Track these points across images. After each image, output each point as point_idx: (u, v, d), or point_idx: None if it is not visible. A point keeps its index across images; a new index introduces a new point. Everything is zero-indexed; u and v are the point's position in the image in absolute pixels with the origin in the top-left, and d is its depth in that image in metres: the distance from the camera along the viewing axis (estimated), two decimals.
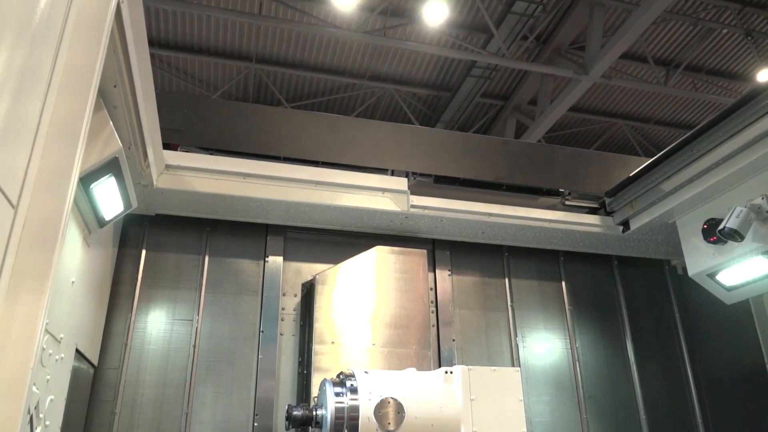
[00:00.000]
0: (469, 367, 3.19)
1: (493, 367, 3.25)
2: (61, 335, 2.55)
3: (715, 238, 3.61)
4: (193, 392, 3.59)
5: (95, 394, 3.43)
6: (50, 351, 2.40)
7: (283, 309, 3.93)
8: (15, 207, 1.52)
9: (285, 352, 3.83)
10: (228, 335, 3.79)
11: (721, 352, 4.71)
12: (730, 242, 3.57)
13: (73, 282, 2.67)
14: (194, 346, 3.69)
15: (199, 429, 3.55)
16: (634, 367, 4.52)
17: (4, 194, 1.46)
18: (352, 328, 3.68)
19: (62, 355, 2.61)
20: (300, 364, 3.79)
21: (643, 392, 4.44)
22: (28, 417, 2.15)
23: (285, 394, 3.71)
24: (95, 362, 3.39)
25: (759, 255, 3.49)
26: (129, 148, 2.87)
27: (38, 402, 2.27)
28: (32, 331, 1.76)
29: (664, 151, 3.84)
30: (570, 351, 4.43)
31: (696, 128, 3.67)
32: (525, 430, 3.14)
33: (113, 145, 2.50)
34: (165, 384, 3.58)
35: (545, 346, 4.42)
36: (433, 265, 4.31)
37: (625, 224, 4.27)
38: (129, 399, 3.49)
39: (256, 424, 3.59)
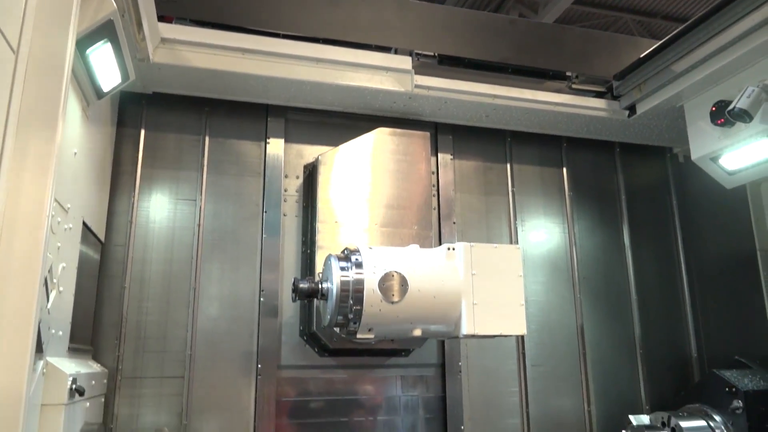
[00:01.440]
0: (471, 243, 3.26)
1: (495, 245, 3.32)
2: (68, 205, 2.56)
3: (722, 120, 3.57)
4: (199, 269, 3.67)
5: (104, 270, 3.51)
6: (59, 219, 2.41)
7: (285, 190, 3.93)
8: (16, 52, 1.45)
9: (288, 232, 3.88)
10: (231, 215, 3.82)
11: (714, 239, 4.81)
12: (737, 125, 3.54)
13: (75, 153, 2.64)
14: (198, 225, 3.72)
15: (208, 303, 3.66)
16: (628, 252, 4.63)
17: (4, 37, 1.39)
18: (354, 209, 3.70)
19: (70, 225, 2.63)
20: (303, 243, 3.86)
21: (636, 275, 4.58)
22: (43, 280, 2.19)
23: (289, 272, 3.79)
24: (102, 238, 3.43)
25: (765, 137, 3.47)
26: (123, 16, 2.73)
27: (51, 267, 2.31)
28: (43, 192, 1.75)
29: (677, 30, 3.70)
30: (567, 235, 4.51)
31: (711, 7, 3.52)
32: (523, 303, 3.26)
33: (107, 6, 2.38)
34: (172, 261, 3.65)
35: (544, 230, 4.49)
36: (435, 150, 4.28)
37: (632, 109, 4.20)
38: (137, 274, 3.57)
39: (262, 299, 3.71)
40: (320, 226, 3.64)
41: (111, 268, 3.54)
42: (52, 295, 2.34)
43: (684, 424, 3.59)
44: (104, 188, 3.45)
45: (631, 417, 3.76)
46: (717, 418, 3.62)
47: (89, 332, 3.32)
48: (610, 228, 4.66)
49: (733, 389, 3.55)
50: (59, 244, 2.43)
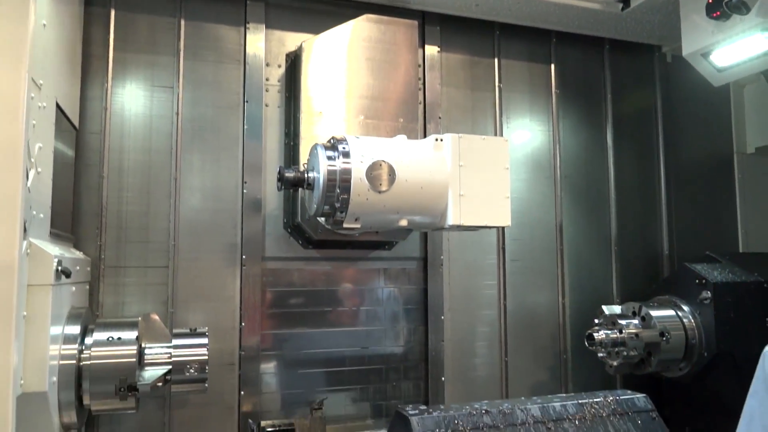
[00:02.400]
0: (459, 135, 3.21)
1: (483, 136, 3.28)
2: (41, 81, 2.41)
3: (718, 13, 3.48)
4: (179, 159, 3.57)
5: (80, 158, 3.39)
6: (32, 95, 2.28)
7: (267, 80, 3.78)
8: None
9: (271, 123, 3.77)
10: (211, 104, 3.68)
11: (694, 141, 4.86)
12: (731, 18, 3.46)
13: (44, 25, 2.45)
14: (177, 114, 3.58)
15: (189, 195, 3.60)
16: (610, 151, 4.65)
17: None
18: (339, 100, 3.59)
19: (44, 104, 2.49)
20: (287, 135, 3.76)
21: (616, 174, 4.63)
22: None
23: (272, 164, 3.72)
24: (76, 124, 3.29)
25: (759, 32, 3.42)
26: None
27: (27, 144, 2.20)
28: (19, 66, 1.63)
29: None
30: (552, 133, 4.50)
31: None
32: (509, 196, 3.28)
33: None
34: (150, 150, 3.54)
35: (528, 127, 4.46)
36: (422, 42, 4.12)
37: (626, 1, 4.07)
38: (115, 163, 3.46)
39: (245, 191, 3.65)
40: (304, 117, 3.54)
41: (87, 156, 3.42)
42: (30, 174, 2.25)
43: (654, 312, 3.77)
44: (75, 71, 3.26)
45: (603, 307, 3.92)
46: (685, 308, 3.80)
47: (69, 221, 3.24)
48: (593, 127, 4.65)
49: (703, 281, 3.71)
50: (34, 122, 2.31)
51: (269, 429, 2.43)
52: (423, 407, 2.39)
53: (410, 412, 2.32)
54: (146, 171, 3.52)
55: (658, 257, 4.69)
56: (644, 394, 2.66)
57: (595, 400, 2.54)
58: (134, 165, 3.50)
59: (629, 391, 2.71)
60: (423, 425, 2.25)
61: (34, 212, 2.36)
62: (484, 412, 2.38)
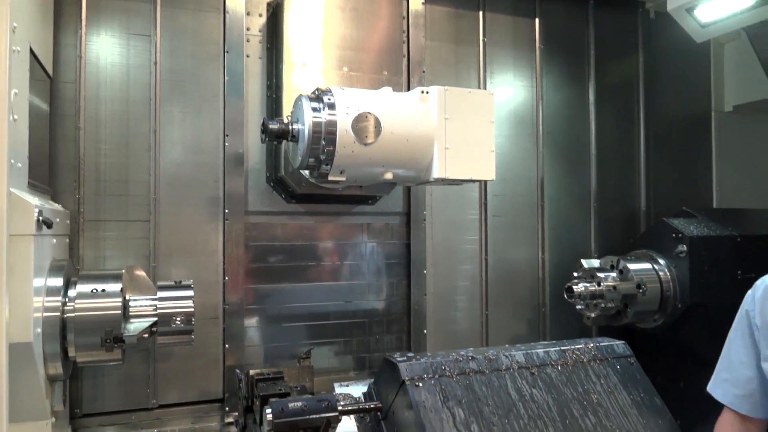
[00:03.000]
0: (446, 87, 3.18)
1: (469, 89, 3.26)
2: (15, 24, 2.30)
3: None
4: (159, 111, 3.48)
5: (55, 108, 3.28)
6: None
7: (248, 29, 3.68)
8: None
9: (252, 75, 3.68)
10: (190, 54, 3.57)
11: (674, 99, 4.89)
12: None
13: None
14: (155, 63, 3.48)
15: (170, 148, 3.53)
16: (592, 108, 4.67)
17: None
18: (323, 51, 3.52)
19: (18, 48, 2.39)
20: (269, 87, 3.69)
21: (597, 131, 4.67)
22: None
23: (254, 117, 3.66)
24: (50, 72, 3.17)
25: None
26: None
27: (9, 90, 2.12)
28: None
29: None
30: (535, 89, 4.49)
31: None
32: (494, 150, 3.28)
33: None
34: (128, 101, 3.44)
35: (512, 83, 4.44)
36: None
37: None
38: (92, 114, 3.36)
39: (227, 144, 3.59)
40: (286, 69, 3.47)
41: (63, 106, 3.31)
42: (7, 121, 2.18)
43: (631, 266, 3.86)
44: (48, 16, 3.13)
45: (582, 261, 4.00)
46: (662, 261, 3.89)
47: (46, 173, 3.16)
48: (576, 84, 4.65)
49: (679, 235, 3.80)
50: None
51: (258, 377, 2.45)
52: (410, 354, 2.44)
53: (398, 359, 2.36)
54: (124, 123, 3.43)
55: (636, 213, 4.78)
56: (623, 341, 2.74)
57: (576, 346, 2.61)
58: (111, 116, 3.40)
59: (608, 339, 2.79)
60: (411, 371, 2.29)
61: (12, 161, 2.29)
62: (470, 358, 2.43)
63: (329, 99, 2.99)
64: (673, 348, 4.00)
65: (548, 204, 4.50)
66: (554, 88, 4.57)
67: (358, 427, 2.44)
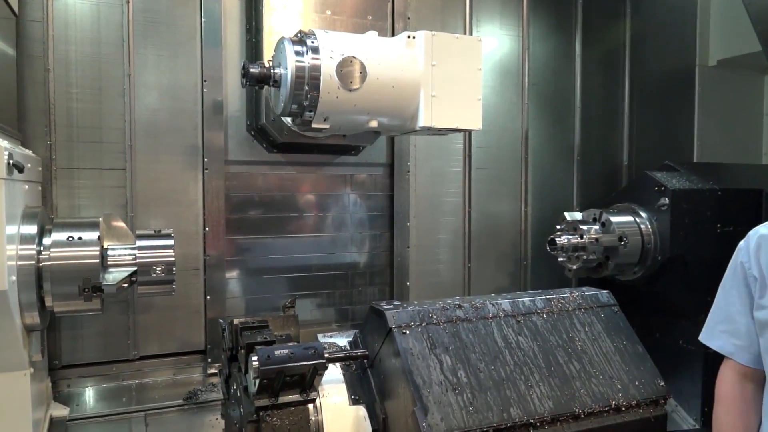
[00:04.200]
0: (433, 32, 3.08)
1: (456, 35, 3.16)
2: None
3: None
4: (133, 54, 3.33)
5: (22, 48, 3.10)
6: None
7: None
8: None
9: (230, 17, 3.53)
10: None
11: (659, 52, 4.84)
12: None
13: None
14: (127, 2, 3.30)
15: (145, 93, 3.39)
16: (578, 60, 4.61)
17: None
18: None
19: None
20: (248, 31, 3.54)
21: (582, 84, 4.62)
22: None
23: (233, 61, 3.52)
24: (15, 9, 2.98)
25: None
26: None
27: None
28: None
29: None
30: (521, 40, 4.40)
31: None
32: (480, 98, 3.22)
33: None
34: (100, 42, 3.27)
35: (498, 33, 4.34)
36: None
37: None
38: (61, 55, 3.19)
39: (205, 90, 3.46)
40: (266, 10, 3.32)
41: (30, 47, 3.13)
42: None
43: (613, 218, 3.87)
44: None
45: (565, 213, 4.00)
46: (643, 214, 3.91)
47: (14, 118, 3.01)
48: (563, 35, 4.57)
49: (662, 188, 3.81)
50: None
51: (242, 326, 2.41)
52: (397, 303, 2.42)
53: (385, 307, 2.34)
54: (96, 65, 3.27)
55: (618, 167, 4.78)
56: (607, 291, 2.76)
57: (561, 295, 2.63)
58: (82, 58, 3.24)
59: (593, 288, 2.81)
60: (398, 318, 2.28)
61: None
62: (457, 306, 2.42)
63: (313, 42, 2.87)
64: (650, 300, 4.06)
65: (532, 157, 4.47)
66: (540, 39, 4.48)
67: (344, 376, 2.43)
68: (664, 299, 3.97)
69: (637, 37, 4.74)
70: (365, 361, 2.45)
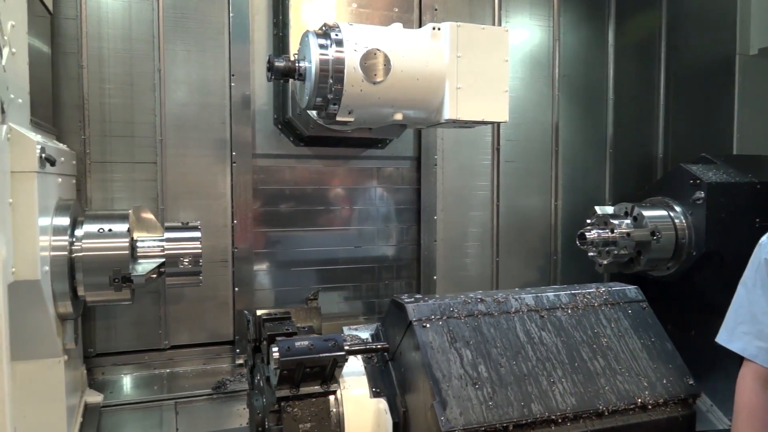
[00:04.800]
0: (458, 23, 3.05)
1: (482, 26, 3.12)
2: None
3: None
4: (163, 49, 3.39)
5: (57, 46, 3.19)
6: None
7: None
8: None
9: (258, 12, 3.56)
10: None
11: (697, 41, 4.69)
12: None
13: None
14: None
15: (175, 88, 3.45)
16: (611, 50, 4.50)
17: None
18: None
19: None
20: (275, 25, 3.56)
21: (615, 75, 4.51)
22: None
23: (261, 56, 3.55)
24: (50, 8, 3.07)
25: None
26: None
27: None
28: None
29: None
30: (552, 29, 4.32)
31: None
32: (507, 89, 3.17)
33: None
34: (131, 38, 3.34)
35: (528, 24, 4.27)
36: None
37: None
38: (94, 52, 3.28)
39: (233, 84, 3.51)
40: (293, 4, 3.34)
41: (64, 44, 3.23)
42: (4, 52, 2.11)
43: (646, 212, 3.77)
44: None
45: (596, 207, 3.92)
46: (678, 208, 3.81)
47: (50, 113, 3.11)
48: (595, 24, 4.47)
49: (697, 181, 3.70)
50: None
51: (266, 318, 2.44)
52: (419, 296, 2.41)
53: (406, 300, 2.34)
54: (127, 61, 3.35)
55: (653, 160, 4.66)
56: (635, 286, 2.70)
57: (587, 290, 2.57)
58: (114, 54, 3.32)
59: (621, 283, 2.75)
60: (418, 312, 2.27)
61: (12, 95, 2.23)
62: (479, 300, 2.40)
63: (337, 35, 2.88)
64: (686, 297, 3.95)
65: (563, 149, 4.39)
66: (572, 29, 4.39)
67: (365, 368, 2.44)
68: (700, 296, 3.86)
69: (673, 25, 4.59)
70: (386, 354, 2.45)
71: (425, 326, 2.24)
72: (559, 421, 2.13)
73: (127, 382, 3.42)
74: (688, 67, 4.64)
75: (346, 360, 2.25)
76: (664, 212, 3.80)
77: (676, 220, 3.77)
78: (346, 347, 2.24)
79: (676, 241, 3.75)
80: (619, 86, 4.52)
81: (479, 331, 2.28)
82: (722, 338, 1.93)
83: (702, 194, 3.66)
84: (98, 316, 3.37)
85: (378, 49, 2.88)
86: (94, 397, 3.25)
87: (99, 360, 3.40)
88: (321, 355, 2.15)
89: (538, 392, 2.17)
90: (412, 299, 2.36)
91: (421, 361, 2.18)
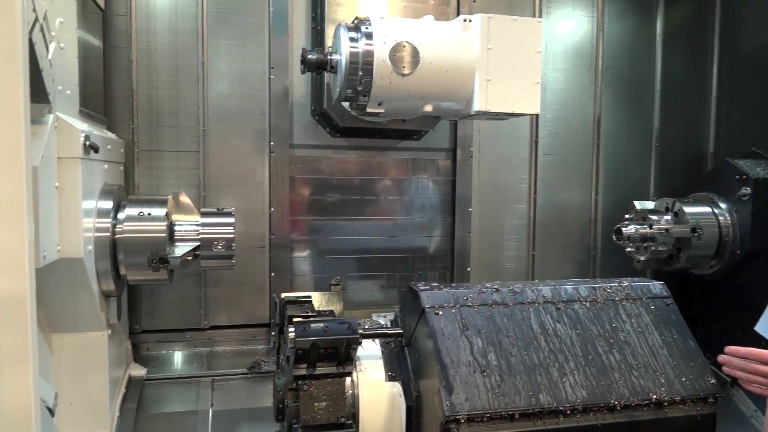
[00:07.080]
0: (489, 15, 3.06)
1: (514, 17, 3.11)
2: None
3: None
4: (206, 43, 3.55)
5: (108, 41, 3.41)
6: None
7: None
8: None
9: (297, 6, 3.66)
10: None
11: (753, 31, 4.46)
12: None
13: None
14: None
15: (217, 80, 3.61)
16: (659, 40, 4.35)
17: None
18: None
19: None
20: (313, 19, 3.66)
21: (663, 66, 4.36)
22: (39, 26, 2.11)
23: (299, 49, 3.59)
24: (102, 5, 3.28)
25: None
26: None
27: (46, 14, 2.22)
28: None
29: None
30: (596, 19, 4.22)
31: None
32: (539, 81, 3.15)
33: None
34: (177, 33, 3.52)
35: (570, 14, 4.19)
36: None
37: None
38: (143, 47, 3.47)
39: (272, 77, 3.63)
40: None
41: (115, 39, 3.43)
42: (51, 47, 2.29)
43: (687, 209, 3.66)
44: None
45: (635, 202, 3.83)
46: (722, 205, 3.67)
47: (101, 104, 3.33)
48: (642, 13, 4.33)
49: (744, 177, 3.55)
50: None
51: (289, 299, 2.55)
52: (435, 284, 2.45)
53: (420, 288, 2.39)
54: (173, 55, 3.53)
55: (703, 155, 4.48)
56: (661, 282, 2.63)
57: (609, 285, 2.54)
58: (161, 48, 3.50)
59: (646, 279, 2.69)
60: (432, 299, 2.31)
61: (59, 87, 2.41)
62: (494, 290, 2.42)
63: (367, 28, 2.95)
64: (732, 297, 3.81)
65: (605, 142, 4.29)
66: (617, 19, 4.28)
67: (382, 353, 2.51)
68: (746, 296, 3.71)
69: (728, 14, 4.39)
70: (402, 339, 2.51)
71: (438, 313, 2.28)
72: (568, 412, 2.13)
73: (169, 358, 3.62)
74: (744, 58, 4.42)
75: (360, 343, 2.33)
76: (707, 208, 3.68)
77: (720, 217, 3.65)
78: (361, 331, 2.31)
79: (720, 239, 3.63)
80: (667, 77, 4.37)
81: (492, 320, 2.31)
82: (761, 327, 1.88)
83: (748, 190, 3.52)
84: (143, 295, 3.58)
85: (406, 42, 2.93)
86: (138, 371, 3.46)
87: (144, 336, 3.61)
88: (335, 337, 2.23)
89: (547, 383, 2.18)
90: (428, 287, 2.40)
91: (432, 347, 2.22)
